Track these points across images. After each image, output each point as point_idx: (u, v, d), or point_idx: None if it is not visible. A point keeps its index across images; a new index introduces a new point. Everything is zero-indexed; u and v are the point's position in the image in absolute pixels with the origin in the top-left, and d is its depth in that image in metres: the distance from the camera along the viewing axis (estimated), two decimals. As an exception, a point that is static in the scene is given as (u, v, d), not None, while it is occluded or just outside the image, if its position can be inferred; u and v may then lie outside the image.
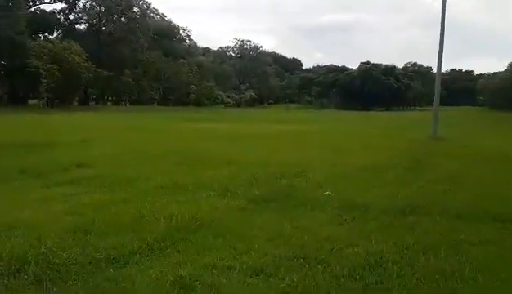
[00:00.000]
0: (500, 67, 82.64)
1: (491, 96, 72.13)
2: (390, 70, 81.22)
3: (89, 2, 61.47)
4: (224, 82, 76.74)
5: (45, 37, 57.19)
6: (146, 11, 66.65)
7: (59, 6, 60.59)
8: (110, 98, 67.00)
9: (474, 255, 4.18)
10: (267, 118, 37.29)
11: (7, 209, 5.53)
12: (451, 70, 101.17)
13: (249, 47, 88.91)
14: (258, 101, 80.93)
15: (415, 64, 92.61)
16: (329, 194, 6.64)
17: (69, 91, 50.03)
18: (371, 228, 5.02)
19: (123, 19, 62.68)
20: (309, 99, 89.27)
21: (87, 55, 48.56)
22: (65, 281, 3.47)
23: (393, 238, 4.56)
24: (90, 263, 3.77)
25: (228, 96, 72.81)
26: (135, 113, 39.36)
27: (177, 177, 7.74)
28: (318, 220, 5.35)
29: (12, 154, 10.51)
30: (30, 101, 50.90)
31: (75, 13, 62.16)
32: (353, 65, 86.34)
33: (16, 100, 46.04)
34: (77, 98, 56.05)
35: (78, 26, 63.48)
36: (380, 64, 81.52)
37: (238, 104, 71.75)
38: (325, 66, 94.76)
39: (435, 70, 21.81)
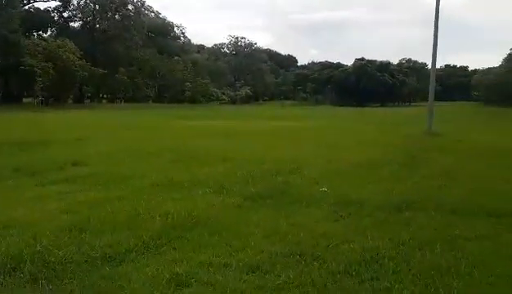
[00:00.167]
0: (495, 62, 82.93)
1: (486, 92, 72.50)
2: (385, 66, 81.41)
3: (83, 0, 61.16)
4: (219, 79, 76.57)
5: (39, 35, 56.85)
6: (141, 8, 66.33)
7: (53, 4, 60.65)
8: (104, 96, 66.73)
9: (470, 250, 4.20)
10: (262, 114, 37.26)
11: (2, 208, 5.50)
12: (446, 66, 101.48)
13: (243, 44, 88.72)
14: (254, 98, 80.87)
15: (409, 60, 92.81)
16: (324, 191, 6.66)
17: (64, 89, 49.77)
18: (367, 224, 5.04)
19: (117, 16, 62.35)
20: (304, 95, 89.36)
21: (82, 52, 48.32)
22: (60, 279, 3.46)
23: (389, 234, 4.58)
24: (86, 261, 3.76)
25: (223, 93, 72.65)
26: (130, 111, 39.17)
27: (173, 174, 7.72)
28: (314, 217, 5.36)
29: (6, 153, 10.45)
30: (25, 100, 50.60)
31: (69, 11, 61.87)
32: (348, 62, 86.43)
33: (11, 99, 45.67)
34: (72, 96, 55.76)
35: (72, 24, 63.23)
36: (375, 61, 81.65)
37: (233, 101, 71.66)
38: (320, 63, 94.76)
39: (430, 66, 21.92)
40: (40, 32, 58.04)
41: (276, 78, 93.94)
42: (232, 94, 74.65)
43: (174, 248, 4.14)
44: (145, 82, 63.17)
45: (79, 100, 55.78)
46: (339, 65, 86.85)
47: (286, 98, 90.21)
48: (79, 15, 62.40)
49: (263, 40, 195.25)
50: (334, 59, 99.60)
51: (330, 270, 3.71)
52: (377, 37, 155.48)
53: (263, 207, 5.82)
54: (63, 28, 59.69)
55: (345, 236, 4.58)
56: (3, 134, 14.83)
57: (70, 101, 54.04)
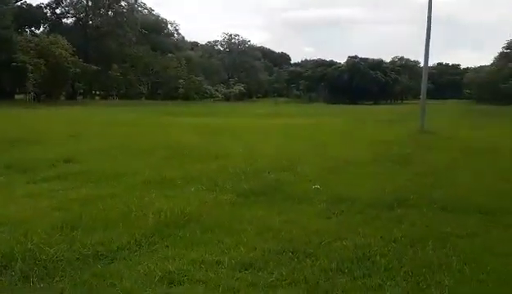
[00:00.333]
0: (487, 61, 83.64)
1: (478, 90, 73.11)
2: (378, 64, 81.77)
3: (76, -4, 60.62)
4: (213, 76, 76.37)
5: (31, 31, 56.49)
6: (134, 5, 65.85)
7: (46, 0, 59.67)
8: (97, 92, 66.24)
9: (461, 247, 4.23)
10: (256, 112, 37.23)
11: (-7, 205, 5.44)
12: (438, 64, 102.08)
13: (237, 42, 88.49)
14: (247, 95, 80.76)
15: (402, 59, 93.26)
16: (317, 188, 6.67)
17: (57, 86, 49.35)
18: (359, 221, 5.06)
19: (110, 13, 61.95)
20: (298, 93, 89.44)
21: (74, 49, 47.98)
22: (52, 277, 3.44)
23: (381, 232, 4.60)
24: (77, 259, 3.73)
25: (217, 91, 72.47)
26: (123, 108, 38.92)
27: (166, 172, 7.69)
28: (307, 214, 5.38)
29: (-3, 149, 10.32)
30: (17, 96, 50.11)
31: (62, 7, 61.33)
32: (341, 60, 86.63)
33: (2, 95, 45.13)
34: (64, 92, 55.32)
35: (64, 20, 62.69)
36: (368, 59, 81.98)
37: (227, 99, 71.51)
38: (313, 60, 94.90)
39: (422, 64, 22.00)
40: (32, 28, 57.63)
41: (270, 76, 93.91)
42: (226, 91, 74.48)
43: (167, 246, 4.12)
44: (139, 78, 62.84)
45: (72, 97, 55.37)
46: (332, 63, 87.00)
47: (280, 95, 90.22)
48: (72, 12, 61.88)
49: (257, 37, 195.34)
50: (327, 57, 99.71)
51: (322, 267, 3.72)
52: (370, 36, 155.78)
53: (256, 204, 5.82)
54: (55, 25, 59.19)
55: (337, 233, 4.59)
56: (-6, 131, 14.66)
57: (63, 98, 53.60)
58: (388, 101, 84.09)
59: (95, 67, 51.42)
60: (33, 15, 56.91)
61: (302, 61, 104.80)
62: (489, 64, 69.49)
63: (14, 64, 40.96)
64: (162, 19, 73.91)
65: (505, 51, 58.27)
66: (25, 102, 43.25)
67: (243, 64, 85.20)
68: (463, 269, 3.72)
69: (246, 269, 3.66)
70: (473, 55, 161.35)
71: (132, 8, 64.23)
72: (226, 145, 11.99)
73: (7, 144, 11.24)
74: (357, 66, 78.80)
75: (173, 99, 60.61)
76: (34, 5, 58.47)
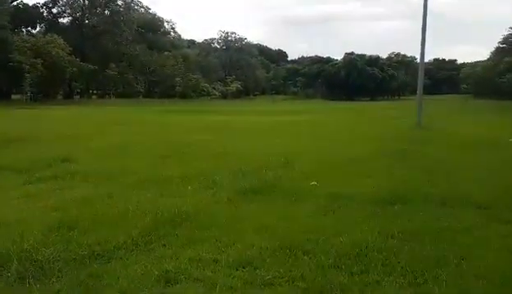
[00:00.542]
0: (483, 56, 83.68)
1: (475, 85, 73.30)
2: (374, 61, 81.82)
3: (72, -4, 60.40)
4: (210, 74, 76.22)
5: (28, 31, 56.31)
6: (130, 3, 65.69)
7: None
8: (94, 91, 66.11)
9: (458, 242, 4.23)
10: (254, 109, 37.23)
11: (-12, 206, 5.41)
12: (435, 59, 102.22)
13: (233, 39, 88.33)
14: (245, 93, 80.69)
15: (398, 54, 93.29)
16: (315, 185, 6.67)
17: (53, 85, 49.31)
18: (356, 217, 5.06)
19: (106, 12, 61.79)
20: (295, 90, 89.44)
21: (71, 48, 47.96)
22: (48, 278, 3.42)
23: (378, 227, 4.60)
24: (74, 259, 3.71)
25: (214, 88, 72.37)
26: (120, 107, 38.86)
27: (163, 170, 7.68)
28: (304, 211, 5.37)
29: (-7, 150, 10.28)
30: (14, 96, 49.91)
31: (58, 7, 61.23)
32: (338, 56, 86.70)
33: (-1, 95, 45.07)
34: (61, 92, 55.20)
35: (61, 20, 62.65)
36: (364, 55, 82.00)
37: (224, 96, 71.45)
38: (310, 57, 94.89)
39: (419, 60, 22.00)
40: (29, 28, 57.46)
41: (267, 73, 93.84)
42: (223, 89, 74.40)
43: (164, 245, 4.11)
44: (136, 77, 62.70)
45: (69, 96, 55.27)
46: (329, 60, 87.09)
47: (277, 93, 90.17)
48: (68, 11, 61.75)
49: (254, 35, 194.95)
50: (324, 53, 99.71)
51: (319, 264, 3.72)
52: (367, 32, 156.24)
53: (254, 201, 5.80)
54: (52, 24, 59.09)
55: (335, 229, 4.59)
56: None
57: (60, 97, 53.51)
58: (385, 97, 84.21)
59: (92, 66, 51.35)
60: (30, 15, 56.78)
61: (299, 58, 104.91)
62: (485, 59, 69.58)
63: (10, 64, 40.88)
64: (158, 17, 73.85)
65: (501, 45, 58.31)
66: (22, 102, 43.10)
67: (240, 62, 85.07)
68: (460, 263, 3.72)
69: (243, 267, 3.65)
70: (470, 50, 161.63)
71: (128, 7, 64.07)
72: (225, 143, 11.98)
73: (3, 144, 11.20)
74: (354, 62, 78.83)
75: (170, 97, 60.53)
76: (31, 5, 58.44)
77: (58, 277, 3.43)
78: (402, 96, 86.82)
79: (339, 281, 3.42)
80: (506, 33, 55.74)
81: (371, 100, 76.17)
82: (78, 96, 59.79)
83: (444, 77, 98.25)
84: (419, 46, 19.80)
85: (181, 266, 3.60)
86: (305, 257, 3.87)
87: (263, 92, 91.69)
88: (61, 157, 8.96)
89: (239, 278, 3.48)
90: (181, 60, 66.93)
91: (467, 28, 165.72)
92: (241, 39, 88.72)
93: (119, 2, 62.74)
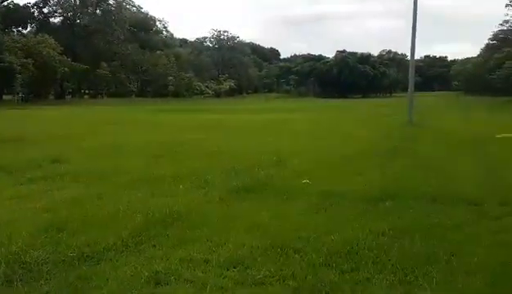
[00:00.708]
0: (474, 53, 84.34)
1: (466, 82, 73.86)
2: (366, 58, 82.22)
3: (64, -5, 59.90)
4: (202, 72, 76.06)
5: (18, 31, 55.77)
6: (122, 3, 65.27)
7: (33, -1, 58.86)
8: (86, 91, 65.66)
9: (448, 238, 4.25)
10: (246, 108, 37.19)
11: (-23, 208, 5.34)
12: (426, 57, 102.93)
13: (226, 38, 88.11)
14: (238, 91, 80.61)
15: (389, 52, 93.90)
16: (307, 183, 6.68)
17: (45, 86, 48.94)
18: (348, 215, 5.06)
19: (98, 11, 61.34)
20: (288, 88, 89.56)
21: (62, 48, 47.60)
22: (36, 280, 3.37)
23: (369, 225, 4.61)
24: (63, 261, 3.66)
25: (207, 87, 72.21)
26: (112, 106, 38.60)
27: (155, 170, 7.65)
28: (296, 209, 5.37)
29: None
30: (5, 97, 49.41)
31: (49, 6, 60.81)
32: (330, 54, 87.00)
33: (-10, 97, 44.63)
34: (53, 92, 54.73)
35: (52, 19, 62.20)
36: (356, 53, 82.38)
37: (217, 95, 71.30)
38: (302, 55, 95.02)
39: (409, 57, 22.09)
40: (19, 28, 56.89)
41: (260, 71, 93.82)
42: (216, 87, 74.24)
43: (154, 245, 4.07)
44: (128, 76, 62.41)
45: (60, 96, 54.82)
46: (320, 58, 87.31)
47: (270, 91, 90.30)
48: (59, 11, 61.30)
49: (246, 33, 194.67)
50: (316, 51, 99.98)
51: (310, 262, 3.71)
52: (358, 30, 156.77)
53: (246, 200, 5.79)
54: (43, 24, 58.61)
55: (326, 227, 4.59)
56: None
57: (51, 97, 53.03)
58: (377, 94, 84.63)
59: (83, 66, 50.96)
60: (20, 15, 56.26)
61: (291, 56, 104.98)
62: (476, 55, 70.10)
63: (1, 64, 40.48)
64: (150, 16, 73.45)
65: (491, 42, 58.77)
66: (13, 103, 42.68)
67: (232, 60, 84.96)
68: (450, 260, 3.74)
69: (234, 267, 3.63)
70: (461, 47, 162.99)
71: (120, 6, 63.68)
72: (217, 142, 11.96)
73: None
74: (346, 60, 79.16)
75: (163, 96, 60.31)
76: (21, 5, 57.85)
77: (46, 279, 3.38)
78: (394, 93, 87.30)
79: (330, 279, 3.42)
80: (496, 29, 56.18)
81: (363, 97, 76.53)
82: (70, 96, 59.33)
83: (435, 75, 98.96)
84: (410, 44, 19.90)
85: (171, 267, 3.57)
86: (296, 256, 3.87)
87: (256, 91, 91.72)
88: (52, 157, 8.88)
89: (229, 278, 3.46)
90: (173, 58, 66.68)
91: (458, 26, 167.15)
92: (234, 38, 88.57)
93: (111, 2, 62.40)
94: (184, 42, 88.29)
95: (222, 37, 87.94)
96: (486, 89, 59.54)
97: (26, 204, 5.53)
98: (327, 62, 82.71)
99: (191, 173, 7.37)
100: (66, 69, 47.52)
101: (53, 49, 45.90)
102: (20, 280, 3.36)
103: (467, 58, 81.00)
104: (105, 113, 27.91)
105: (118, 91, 60.87)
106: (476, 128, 15.40)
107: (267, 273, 3.52)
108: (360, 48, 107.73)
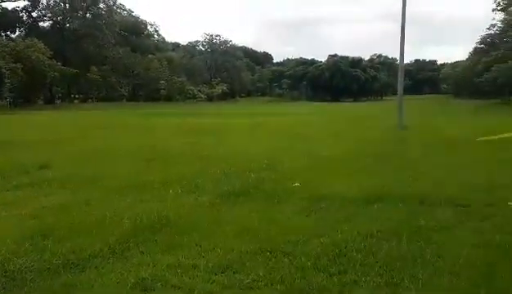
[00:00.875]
0: (463, 56, 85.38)
1: (455, 85, 74.70)
2: (357, 62, 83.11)
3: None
4: (195, 76, 75.95)
5: (7, 35, 55.17)
6: (113, 7, 65.00)
7: (21, 3, 58.85)
8: (76, 96, 65.13)
9: (435, 240, 4.27)
10: (239, 111, 37.19)
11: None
12: (416, 60, 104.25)
13: (218, 42, 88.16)
14: (230, 95, 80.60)
15: (380, 56, 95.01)
16: (297, 186, 6.68)
17: (34, 90, 48.43)
18: (337, 217, 5.07)
19: (88, 15, 60.96)
20: (280, 92, 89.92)
21: (52, 52, 47.14)
22: (20, 288, 3.33)
23: (358, 227, 4.62)
24: (47, 269, 3.61)
25: (200, 91, 72.09)
26: (103, 111, 38.36)
27: (145, 175, 7.59)
28: (286, 212, 5.36)
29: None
30: (-7, 102, 48.75)
31: (38, 10, 60.27)
32: (322, 58, 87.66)
33: (-22, 102, 44.05)
34: (42, 97, 54.18)
35: (41, 24, 61.63)
36: (348, 57, 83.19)
37: (210, 99, 71.21)
38: (294, 59, 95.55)
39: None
40: (8, 32, 56.25)
41: (253, 75, 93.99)
42: (208, 91, 74.16)
43: (142, 251, 4.02)
44: (119, 80, 61.98)
45: (50, 101, 54.29)
46: (313, 62, 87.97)
47: (262, 94, 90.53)
48: (49, 15, 60.78)
49: (239, 37, 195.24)
50: (308, 55, 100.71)
51: (299, 266, 3.71)
52: (349, 34, 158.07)
53: (236, 204, 5.77)
54: (32, 28, 58.06)
55: (316, 230, 4.59)
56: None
57: (41, 102, 52.48)
58: (369, 98, 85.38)
59: (73, 70, 50.58)
60: (9, 19, 55.76)
61: (284, 60, 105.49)
62: (465, 59, 70.86)
63: (-11, 69, 39.94)
64: (142, 20, 73.26)
65: (479, 46, 59.44)
66: (2, 108, 42.14)
67: (225, 64, 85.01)
68: (436, 261, 3.76)
69: (222, 272, 3.61)
70: (450, 50, 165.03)
71: (110, 10, 63.43)
72: (209, 146, 11.93)
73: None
74: (338, 64, 79.89)
75: (155, 100, 60.08)
76: (10, 8, 57.28)
77: (30, 287, 3.34)
78: (385, 97, 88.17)
79: (318, 282, 3.42)
80: (484, 33, 56.86)
81: (355, 100, 77.12)
82: (60, 101, 58.79)
83: (425, 78, 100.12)
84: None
85: (158, 273, 3.54)
86: (285, 259, 3.86)
87: (249, 94, 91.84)
88: (40, 163, 8.77)
89: (217, 282, 3.44)
90: (165, 62, 66.47)
91: (447, 30, 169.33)
92: (226, 42, 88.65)
93: (101, 6, 62.07)
94: (176, 45, 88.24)
95: (214, 41, 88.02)
96: (474, 92, 60.29)
97: (12, 211, 5.45)
98: (319, 66, 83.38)
99: (182, 178, 7.33)
100: (56, 73, 47.11)
101: (42, 53, 45.46)
102: (3, 288, 3.31)
103: (456, 61, 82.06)
104: (95, 118, 27.72)
105: (108, 96, 60.47)
106: (463, 131, 15.54)
107: (256, 277, 3.51)
108: (351, 52, 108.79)
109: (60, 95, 60.86)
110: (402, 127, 17.47)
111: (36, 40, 46.84)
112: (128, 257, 3.90)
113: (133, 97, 64.25)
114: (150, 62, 64.96)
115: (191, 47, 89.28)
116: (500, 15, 45.37)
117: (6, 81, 41.47)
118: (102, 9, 62.02)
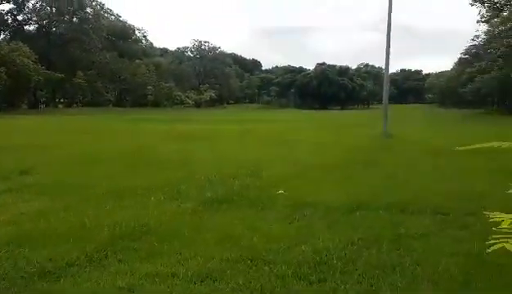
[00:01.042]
0: (448, 66, 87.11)
1: (440, 94, 76.14)
2: (344, 71, 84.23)
3: (39, 3, 58.76)
4: (183, 82, 75.79)
5: (-9, 39, 54.14)
6: (100, 11, 64.54)
7: (6, 6, 57.53)
8: (61, 100, 64.26)
9: (414, 248, 4.30)
10: (228, 118, 37.18)
11: None
12: (401, 70, 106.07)
13: (207, 48, 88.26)
14: (218, 102, 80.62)
15: (367, 65, 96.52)
16: (281, 193, 6.67)
17: (18, 94, 47.65)
18: (320, 225, 5.07)
19: (74, 19, 60.41)
20: (269, 99, 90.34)
21: (37, 56, 46.46)
22: (-8, 298, 3.23)
23: (339, 235, 4.63)
24: (21, 277, 3.52)
25: (187, 97, 71.89)
26: (88, 116, 37.92)
27: (127, 181, 7.49)
28: (269, 220, 5.34)
29: None
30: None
31: (24, 14, 59.42)
32: (310, 66, 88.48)
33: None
34: (26, 101, 53.29)
35: (27, 27, 60.68)
36: (335, 65, 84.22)
37: (198, 105, 71.07)
38: (283, 67, 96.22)
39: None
40: (-8, 35, 55.34)
41: (241, 82, 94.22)
42: (196, 97, 74.01)
43: (119, 260, 3.95)
44: (105, 85, 61.41)
45: (34, 106, 53.41)
46: (301, 70, 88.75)
47: (251, 101, 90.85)
48: (35, 19, 60.02)
49: (228, 44, 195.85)
50: (296, 63, 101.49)
51: (279, 274, 3.69)
52: (337, 43, 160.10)
53: (219, 211, 5.73)
54: (17, 32, 57.27)
55: (298, 238, 4.58)
56: None
57: (25, 107, 51.60)
58: (355, 106, 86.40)
59: (59, 74, 49.94)
60: (-7, 22, 54.76)
61: (272, 68, 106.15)
62: (449, 69, 72.31)
63: (-28, 73, 39.21)
64: (129, 25, 72.88)
65: (464, 56, 60.75)
66: (-16, 112, 41.27)
67: (214, 71, 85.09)
68: (415, 269, 3.78)
69: (202, 281, 3.57)
70: (435, 60, 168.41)
71: (97, 14, 62.96)
72: (194, 152, 11.87)
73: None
74: (325, 73, 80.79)
75: (142, 106, 59.67)
76: (-6, 11, 56.31)
77: (3, 297, 3.25)
78: (371, 105, 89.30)
79: (298, 291, 3.41)
80: (468, 44, 58.15)
81: (342, 108, 77.90)
82: (44, 106, 57.89)
83: (410, 87, 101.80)
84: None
85: (135, 282, 3.48)
86: (266, 268, 3.84)
87: (237, 101, 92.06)
88: (20, 168, 8.59)
89: (196, 291, 3.40)
90: (153, 68, 66.17)
91: (432, 40, 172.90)
92: (215, 48, 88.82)
93: (88, 10, 61.59)
94: (165, 51, 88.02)
95: (203, 47, 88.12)
96: (458, 102, 61.54)
97: (-12, 218, 5.31)
98: (308, 74, 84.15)
99: (165, 184, 7.25)
100: (41, 77, 46.47)
101: (27, 57, 44.82)
102: (-25, 298, 3.21)
103: (441, 72, 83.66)
104: (80, 123, 27.36)
105: (94, 100, 59.85)
106: (445, 140, 15.75)
107: (235, 286, 3.47)
108: (339, 61, 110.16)
109: (44, 99, 59.97)
110: (387, 136, 17.65)
111: (21, 44, 46.21)
112: (106, 266, 3.82)
113: (120, 102, 63.72)
114: (137, 67, 64.58)
115: (180, 53, 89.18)
116: (484, 27, 46.48)
117: (-10, 85, 40.80)
118: (89, 13, 61.55)
